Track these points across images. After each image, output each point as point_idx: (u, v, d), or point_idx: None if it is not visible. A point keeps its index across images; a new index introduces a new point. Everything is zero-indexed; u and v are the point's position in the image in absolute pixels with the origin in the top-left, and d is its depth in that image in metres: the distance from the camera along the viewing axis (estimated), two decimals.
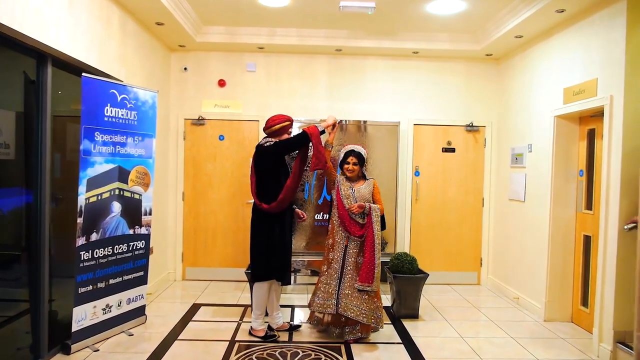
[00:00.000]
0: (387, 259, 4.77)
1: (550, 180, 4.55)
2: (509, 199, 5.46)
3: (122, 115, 3.86)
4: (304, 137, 3.74)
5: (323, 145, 3.84)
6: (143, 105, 4.08)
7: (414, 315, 4.54)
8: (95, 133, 3.62)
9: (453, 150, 5.94)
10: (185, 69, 5.83)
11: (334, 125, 3.98)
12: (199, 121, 5.83)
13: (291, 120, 3.97)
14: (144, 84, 4.74)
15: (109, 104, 3.72)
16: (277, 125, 3.88)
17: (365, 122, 5.57)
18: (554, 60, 4.61)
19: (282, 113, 4.08)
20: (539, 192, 4.79)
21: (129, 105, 3.92)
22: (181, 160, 5.85)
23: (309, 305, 3.97)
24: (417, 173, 5.93)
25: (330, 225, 3.95)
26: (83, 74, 3.49)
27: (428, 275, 4.60)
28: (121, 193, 3.88)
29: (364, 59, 5.88)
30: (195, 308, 4.75)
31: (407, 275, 4.49)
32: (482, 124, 5.93)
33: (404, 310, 4.54)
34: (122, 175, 3.87)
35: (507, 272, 5.50)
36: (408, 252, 5.71)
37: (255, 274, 3.89)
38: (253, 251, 3.90)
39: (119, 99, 3.82)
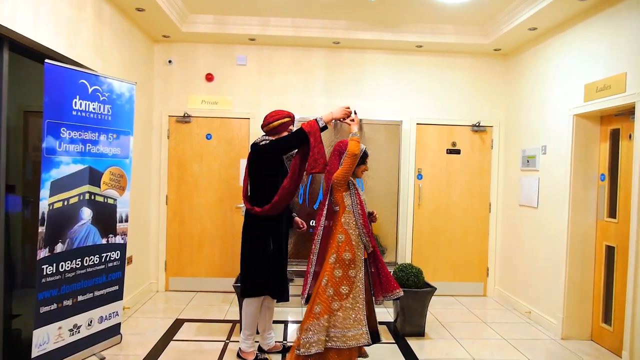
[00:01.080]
0: (390, 270, 4.33)
1: (569, 185, 4.16)
2: (519, 205, 5.06)
3: (94, 109, 3.40)
4: (302, 135, 3.27)
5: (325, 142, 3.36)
6: (119, 98, 3.62)
7: (420, 333, 4.12)
8: (62, 129, 3.15)
9: (458, 151, 5.54)
10: (169, 61, 5.37)
11: (343, 119, 3.33)
12: (185, 118, 5.37)
13: (292, 117, 3.48)
14: (124, 77, 4.28)
15: (77, 96, 3.25)
16: (276, 122, 3.41)
17: (362, 120, 5.14)
18: (573, 55, 4.22)
19: (280, 109, 3.60)
20: (554, 197, 4.41)
21: (102, 98, 3.46)
22: (165, 160, 5.38)
23: (304, 346, 2.98)
24: (419, 176, 5.53)
25: (344, 237, 3.08)
26: (46, 60, 3.02)
27: (435, 289, 4.18)
28: (92, 197, 3.41)
29: (363, 53, 5.46)
30: (178, 324, 4.29)
31: (412, 290, 4.07)
32: (490, 124, 5.54)
33: (409, 327, 4.13)
34: (93, 177, 3.40)
35: (516, 283, 5.11)
36: (411, 262, 5.34)
37: (246, 289, 3.42)
38: (244, 263, 3.43)
39: (90, 90, 3.35)
